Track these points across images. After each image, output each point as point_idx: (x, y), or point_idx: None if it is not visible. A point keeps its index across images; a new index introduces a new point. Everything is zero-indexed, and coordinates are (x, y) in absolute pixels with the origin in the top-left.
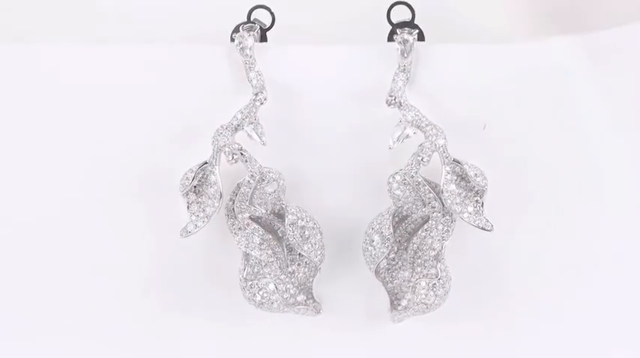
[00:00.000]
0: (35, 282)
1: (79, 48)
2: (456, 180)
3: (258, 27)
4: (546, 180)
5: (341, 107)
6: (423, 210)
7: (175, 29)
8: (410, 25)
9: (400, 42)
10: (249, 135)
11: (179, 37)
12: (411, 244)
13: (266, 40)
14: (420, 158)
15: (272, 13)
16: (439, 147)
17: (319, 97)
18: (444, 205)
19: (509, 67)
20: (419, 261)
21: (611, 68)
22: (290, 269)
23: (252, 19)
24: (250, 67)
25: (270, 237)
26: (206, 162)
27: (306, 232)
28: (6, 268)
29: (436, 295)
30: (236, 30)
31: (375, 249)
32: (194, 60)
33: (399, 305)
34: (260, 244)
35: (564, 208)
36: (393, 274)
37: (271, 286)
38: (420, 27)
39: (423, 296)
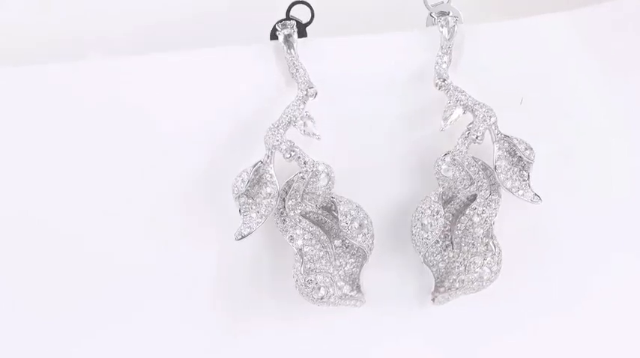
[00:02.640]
0: (106, 285)
1: (129, 59)
2: (506, 156)
3: (295, 23)
4: (594, 153)
5: (385, 95)
6: (470, 189)
7: (208, 31)
8: (446, 7)
9: (444, 25)
10: (302, 130)
11: (215, 40)
12: (458, 224)
13: (305, 36)
14: (474, 136)
15: (311, 8)
16: (491, 125)
17: (362, 87)
18: (491, 182)
19: (539, 40)
20: (466, 239)
21: None
22: (337, 262)
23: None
24: (294, 63)
25: (320, 231)
26: (259, 162)
27: (359, 222)
28: (80, 272)
29: (491, 271)
30: (275, 28)
31: (426, 233)
32: (237, 61)
33: (441, 286)
34: (310, 240)
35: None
36: (438, 257)
37: (328, 280)
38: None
39: (479, 273)
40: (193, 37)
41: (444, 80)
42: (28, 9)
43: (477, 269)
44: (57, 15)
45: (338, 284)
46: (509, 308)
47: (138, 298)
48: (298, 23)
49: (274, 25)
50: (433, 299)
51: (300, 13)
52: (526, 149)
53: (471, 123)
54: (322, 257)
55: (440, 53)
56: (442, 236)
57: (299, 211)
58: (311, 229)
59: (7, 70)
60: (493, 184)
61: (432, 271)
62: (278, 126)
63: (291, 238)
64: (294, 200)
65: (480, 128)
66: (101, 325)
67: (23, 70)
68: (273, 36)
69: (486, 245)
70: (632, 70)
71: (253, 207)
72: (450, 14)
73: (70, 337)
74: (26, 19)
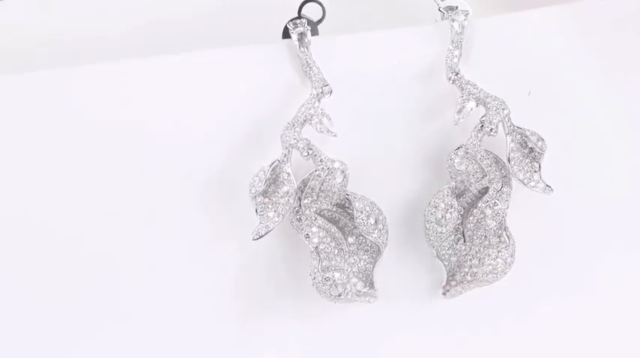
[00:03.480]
0: (106, 285)
1: (131, 61)
2: (518, 148)
3: (306, 21)
4: (598, 144)
5: (394, 91)
6: (481, 181)
7: (209, 31)
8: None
9: (454, 19)
10: (318, 128)
11: (215, 40)
12: (470, 218)
13: (317, 34)
14: (488, 129)
15: (322, 7)
16: (504, 117)
17: (372, 83)
18: (503, 174)
19: (542, 33)
20: (479, 232)
21: None
22: (351, 259)
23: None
24: (308, 61)
25: (334, 229)
26: (276, 161)
27: (375, 218)
28: (80, 272)
29: (505, 263)
30: (287, 27)
31: (441, 227)
32: (250, 60)
33: (453, 280)
34: (325, 237)
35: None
36: (450, 251)
37: (345, 278)
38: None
39: (493, 265)
40: (193, 37)
41: (457, 74)
42: (28, 9)
43: (491, 262)
44: (57, 15)
45: (352, 280)
46: (519, 301)
47: (138, 298)
48: (309, 21)
49: (286, 24)
50: (444, 293)
51: (308, 11)
52: (538, 140)
53: (483, 116)
54: (337, 254)
55: (451, 47)
56: (453, 229)
57: (314, 209)
58: (326, 227)
59: (8, 77)
60: (505, 176)
61: (444, 265)
62: (294, 125)
63: (307, 236)
64: (310, 198)
65: (494, 120)
66: (101, 325)
67: (25, 73)
68: (286, 35)
69: (499, 237)
70: (633, 66)
71: (270, 207)
72: (458, 8)
73: (70, 337)
74: (26, 19)
